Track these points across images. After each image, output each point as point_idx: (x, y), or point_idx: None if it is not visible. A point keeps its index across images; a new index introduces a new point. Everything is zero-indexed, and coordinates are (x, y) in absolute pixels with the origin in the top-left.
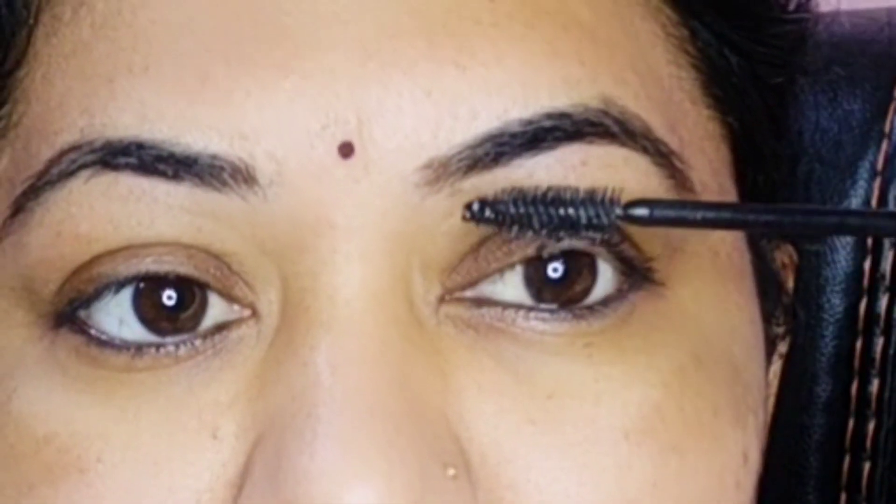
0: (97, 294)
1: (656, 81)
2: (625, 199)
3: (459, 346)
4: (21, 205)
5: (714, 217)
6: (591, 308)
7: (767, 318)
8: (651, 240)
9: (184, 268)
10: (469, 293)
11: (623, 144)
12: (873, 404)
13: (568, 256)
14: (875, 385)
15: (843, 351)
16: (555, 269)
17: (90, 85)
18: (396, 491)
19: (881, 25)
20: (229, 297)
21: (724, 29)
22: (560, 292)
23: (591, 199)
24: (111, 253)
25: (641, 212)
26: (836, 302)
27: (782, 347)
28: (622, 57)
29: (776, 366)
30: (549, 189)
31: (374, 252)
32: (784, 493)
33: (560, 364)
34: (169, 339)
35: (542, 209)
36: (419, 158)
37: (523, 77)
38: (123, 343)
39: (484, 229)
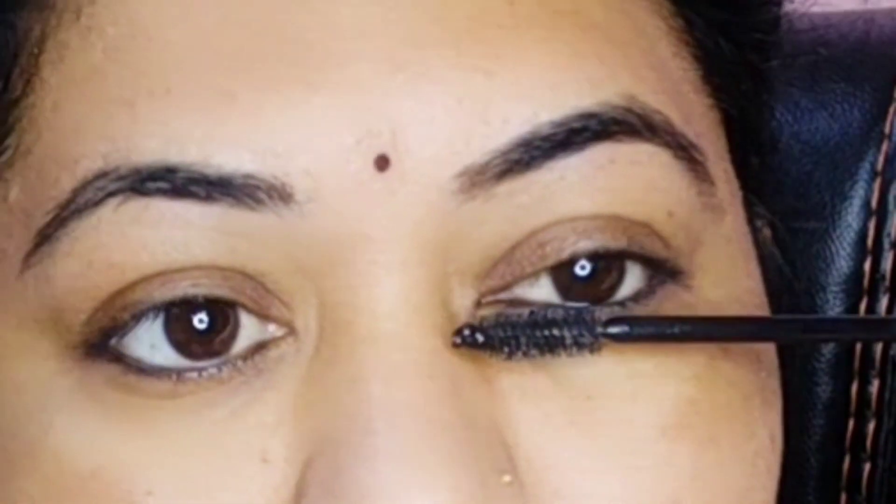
0: (133, 321)
1: (667, 75)
2: (651, 195)
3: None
4: (46, 235)
5: (692, 331)
6: (620, 304)
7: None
8: (677, 234)
9: (219, 290)
10: (503, 295)
11: (648, 140)
12: (873, 405)
13: (596, 256)
14: (875, 386)
15: (843, 352)
16: (582, 267)
17: (109, 110)
18: (461, 502)
19: (881, 26)
20: (265, 317)
21: (717, 16)
22: (588, 290)
23: (574, 318)
24: (146, 279)
25: (620, 329)
26: (836, 303)
27: None
28: (636, 54)
29: None
30: (532, 312)
31: (411, 262)
32: (784, 494)
33: (593, 364)
34: (202, 364)
35: (528, 331)
36: (454, 167)
37: (549, 79)
38: (160, 369)
39: (516, 235)
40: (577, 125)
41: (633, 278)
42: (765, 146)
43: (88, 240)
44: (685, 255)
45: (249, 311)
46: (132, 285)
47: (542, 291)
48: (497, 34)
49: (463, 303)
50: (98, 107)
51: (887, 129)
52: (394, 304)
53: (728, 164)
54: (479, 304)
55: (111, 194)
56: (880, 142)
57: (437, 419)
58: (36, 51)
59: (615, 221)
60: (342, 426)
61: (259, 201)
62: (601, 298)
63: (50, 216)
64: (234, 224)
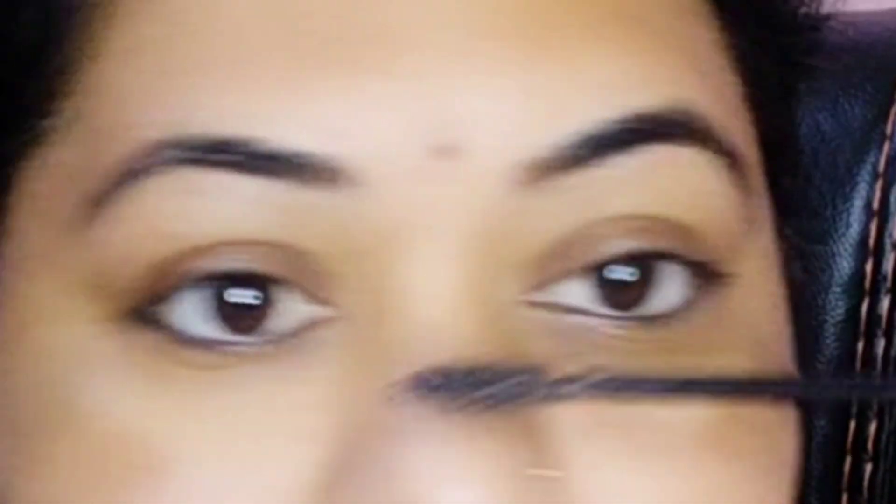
0: (177, 292)
1: (718, 87)
2: (700, 199)
3: (540, 350)
4: (97, 201)
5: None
6: (661, 312)
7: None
8: (720, 241)
9: (267, 266)
10: (550, 298)
11: (703, 146)
12: (875, 405)
13: (639, 260)
14: None
15: (845, 353)
16: (631, 273)
17: (171, 80)
18: (496, 493)
19: (882, 26)
20: (312, 297)
21: (762, 35)
22: (630, 295)
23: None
24: (194, 250)
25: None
26: (837, 304)
27: None
28: (695, 63)
29: None
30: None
31: (463, 251)
32: None
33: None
34: (246, 338)
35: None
36: (513, 159)
37: (614, 77)
38: (201, 340)
39: (565, 231)
40: (636, 125)
41: (676, 285)
42: (797, 166)
43: (139, 207)
44: (726, 263)
45: (297, 289)
46: (179, 255)
47: (584, 295)
48: (567, 31)
49: (511, 297)
50: (160, 76)
51: (889, 130)
52: (442, 293)
53: (763, 180)
54: (526, 302)
55: (168, 163)
56: (882, 143)
57: None
58: (105, 15)
59: (660, 223)
60: (380, 409)
61: (312, 180)
62: (642, 305)
63: (103, 182)
64: (286, 201)
